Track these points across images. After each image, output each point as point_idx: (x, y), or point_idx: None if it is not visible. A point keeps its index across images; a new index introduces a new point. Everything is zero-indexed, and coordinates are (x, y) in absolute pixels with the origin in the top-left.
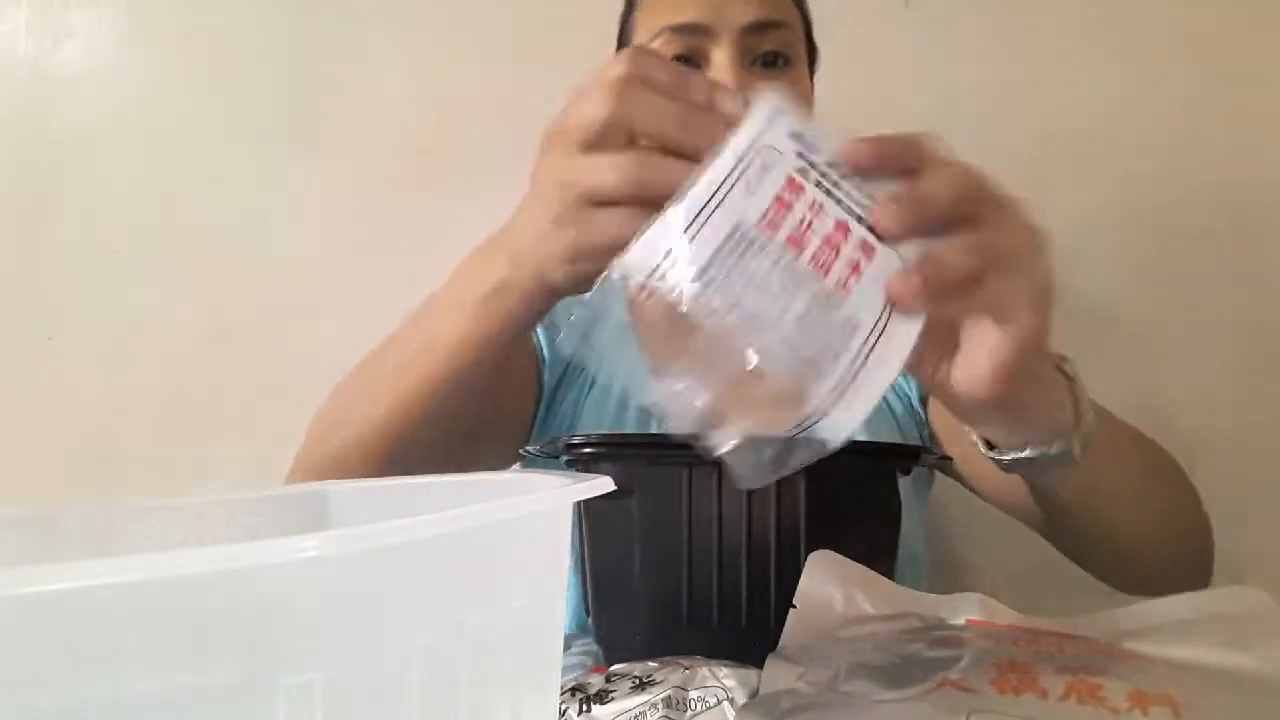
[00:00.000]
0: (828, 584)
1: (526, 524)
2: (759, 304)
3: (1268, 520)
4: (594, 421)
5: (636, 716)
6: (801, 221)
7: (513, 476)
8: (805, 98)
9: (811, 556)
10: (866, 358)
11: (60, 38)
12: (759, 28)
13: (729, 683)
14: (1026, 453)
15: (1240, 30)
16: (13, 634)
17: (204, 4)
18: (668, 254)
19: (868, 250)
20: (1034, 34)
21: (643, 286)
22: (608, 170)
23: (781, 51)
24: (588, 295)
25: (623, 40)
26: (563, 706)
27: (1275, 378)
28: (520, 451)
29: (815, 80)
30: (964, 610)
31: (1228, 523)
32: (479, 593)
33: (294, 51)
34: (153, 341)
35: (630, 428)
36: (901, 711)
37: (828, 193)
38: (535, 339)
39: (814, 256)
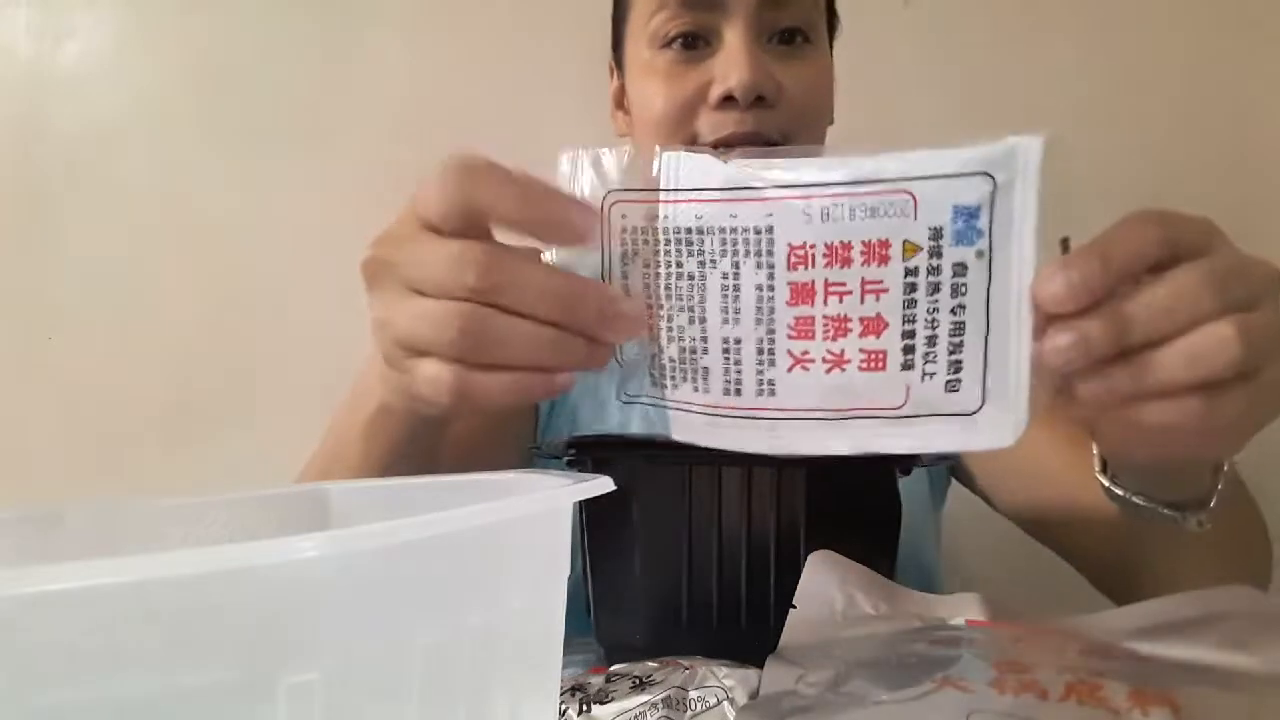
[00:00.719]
0: (828, 584)
1: (526, 524)
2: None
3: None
4: (592, 422)
5: (636, 716)
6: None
7: (513, 476)
8: (824, 80)
9: (811, 557)
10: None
11: (60, 38)
12: (776, 1)
13: (729, 683)
14: (1139, 500)
15: (1240, 30)
16: (13, 634)
17: (204, 4)
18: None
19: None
20: (1034, 34)
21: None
22: (423, 321)
23: (801, 28)
24: None
25: (618, 13)
26: (563, 706)
27: None
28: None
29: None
30: (964, 610)
31: None
32: (479, 592)
33: (294, 51)
34: (153, 341)
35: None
36: (901, 712)
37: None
38: None
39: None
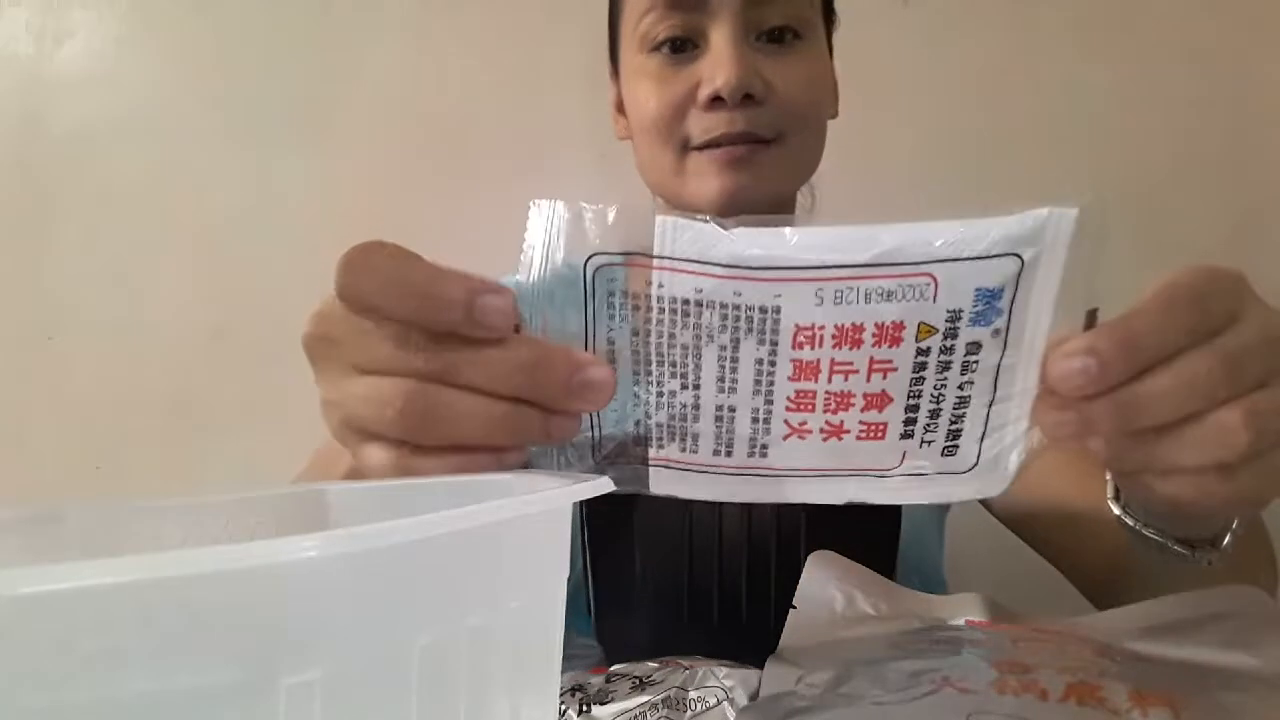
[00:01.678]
0: (828, 584)
1: (527, 524)
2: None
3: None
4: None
5: (636, 716)
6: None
7: (513, 477)
8: (819, 76)
9: (811, 557)
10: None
11: (60, 38)
12: (762, 0)
13: (729, 683)
14: (1149, 533)
15: (1240, 30)
16: (10, 635)
17: (204, 4)
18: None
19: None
20: (1033, 34)
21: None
22: (365, 403)
23: (790, 25)
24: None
25: (613, 17)
26: (562, 706)
27: None
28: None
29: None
30: (964, 611)
31: None
32: (479, 593)
33: (294, 51)
34: (153, 341)
35: None
36: (901, 713)
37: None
38: None
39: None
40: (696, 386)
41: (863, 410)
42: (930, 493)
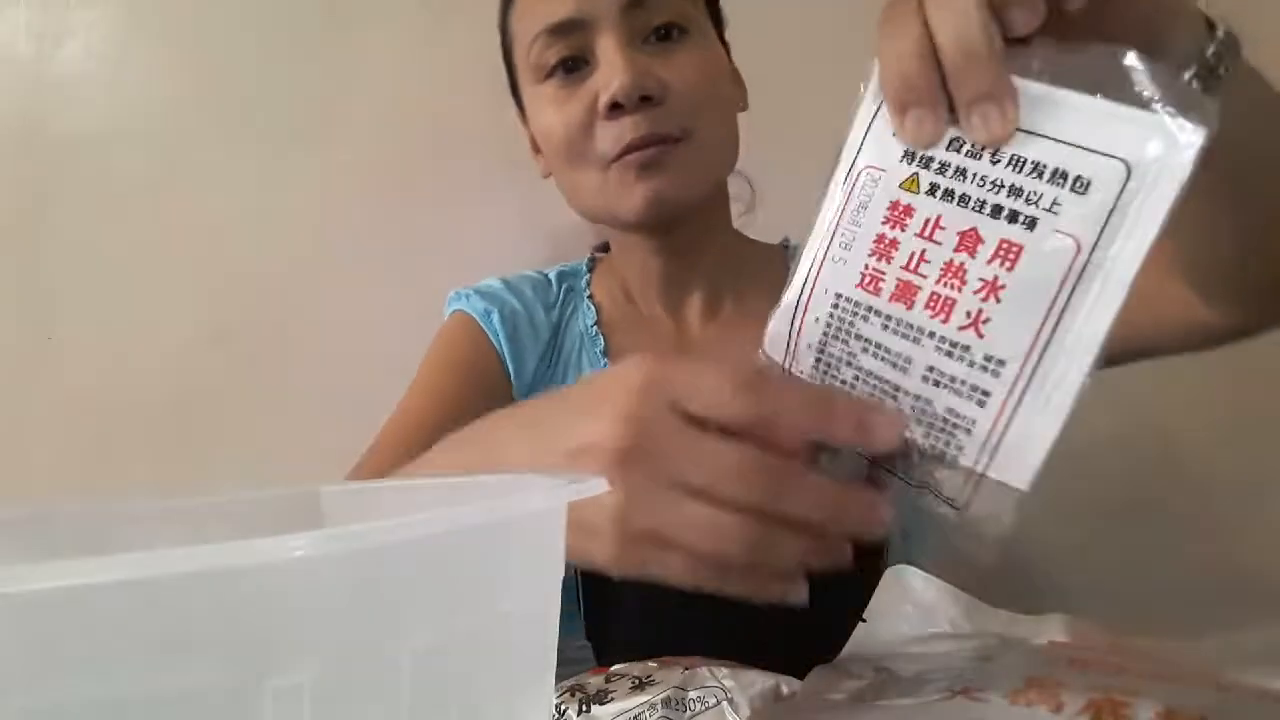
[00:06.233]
0: (904, 600)
1: (520, 524)
2: (882, 370)
3: (1269, 521)
4: None
5: (636, 716)
6: (911, 259)
7: (508, 478)
8: (713, 67)
9: (889, 571)
10: (1021, 398)
11: (60, 38)
12: (640, 2)
13: (728, 683)
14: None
15: (1240, 30)
16: None
17: (204, 4)
18: (789, 344)
19: (1009, 255)
20: None
21: (786, 370)
22: (703, 532)
23: (674, 22)
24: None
25: (507, 57)
26: (562, 706)
27: (1266, 377)
28: None
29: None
30: (1048, 631)
31: (1227, 522)
32: (472, 594)
33: (294, 51)
34: (153, 341)
35: None
36: (902, 716)
37: (948, 194)
38: (502, 363)
39: (930, 302)
40: (900, 387)
41: (973, 260)
42: None
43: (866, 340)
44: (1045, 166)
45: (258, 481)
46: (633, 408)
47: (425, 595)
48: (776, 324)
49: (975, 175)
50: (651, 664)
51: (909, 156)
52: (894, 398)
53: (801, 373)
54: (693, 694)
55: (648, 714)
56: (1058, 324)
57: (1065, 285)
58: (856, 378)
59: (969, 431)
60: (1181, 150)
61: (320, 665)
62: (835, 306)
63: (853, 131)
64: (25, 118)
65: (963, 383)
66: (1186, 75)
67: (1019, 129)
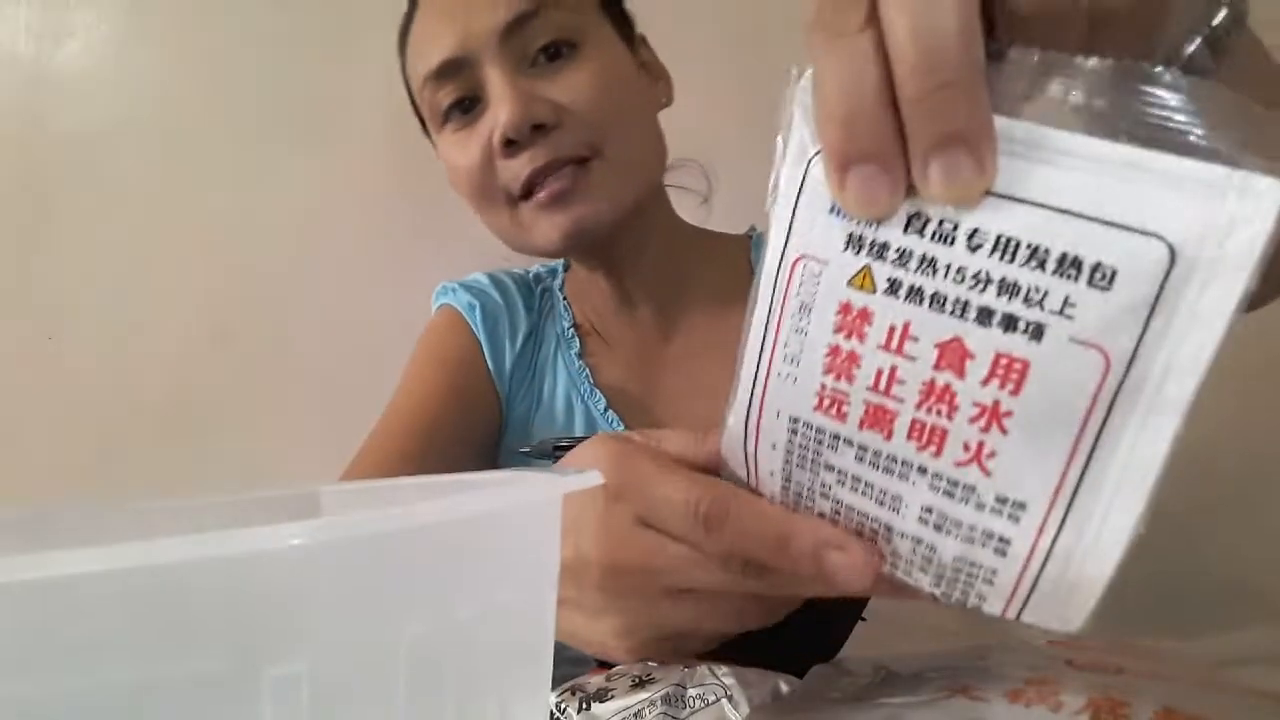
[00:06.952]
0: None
1: (517, 516)
2: (866, 507)
3: (1269, 521)
4: (545, 430)
5: (636, 714)
6: (878, 379)
7: (506, 473)
8: (613, 76)
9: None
10: (1052, 545)
11: (60, 38)
12: (517, 24)
13: (728, 681)
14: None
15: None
16: None
17: (204, 4)
18: (748, 468)
19: (1010, 374)
20: None
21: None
22: (694, 620)
23: (560, 39)
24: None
25: (418, 113)
26: (562, 705)
27: (1266, 377)
28: (519, 452)
29: (637, 48)
30: (1047, 632)
31: (1227, 522)
32: (469, 584)
33: (294, 51)
34: (153, 341)
35: (579, 434)
36: (902, 715)
37: (914, 294)
38: (485, 367)
39: (914, 432)
40: (893, 528)
41: (962, 379)
42: None
43: (840, 472)
44: (1048, 252)
45: (257, 481)
46: (611, 529)
47: (421, 585)
48: (728, 446)
49: (950, 267)
50: (651, 663)
51: (856, 243)
52: (888, 540)
53: (771, 496)
54: (692, 691)
55: (647, 710)
56: (1091, 457)
57: (1095, 410)
58: (837, 512)
59: (990, 583)
60: (1254, 220)
61: (317, 654)
62: (793, 432)
63: (779, 190)
64: (25, 117)
65: (972, 529)
66: (1191, 47)
67: (1005, 195)
